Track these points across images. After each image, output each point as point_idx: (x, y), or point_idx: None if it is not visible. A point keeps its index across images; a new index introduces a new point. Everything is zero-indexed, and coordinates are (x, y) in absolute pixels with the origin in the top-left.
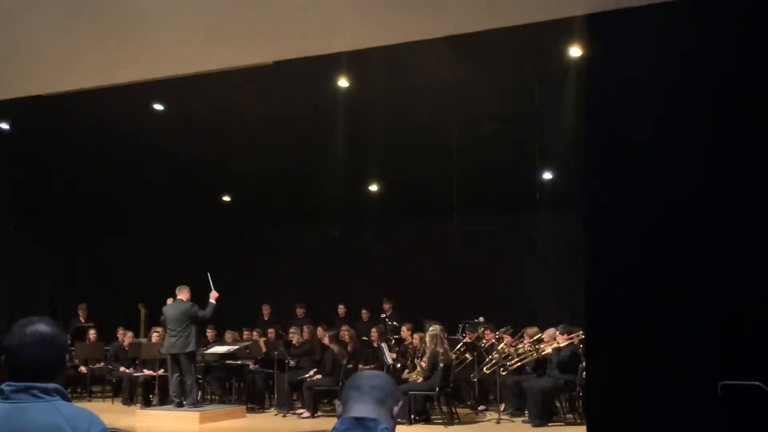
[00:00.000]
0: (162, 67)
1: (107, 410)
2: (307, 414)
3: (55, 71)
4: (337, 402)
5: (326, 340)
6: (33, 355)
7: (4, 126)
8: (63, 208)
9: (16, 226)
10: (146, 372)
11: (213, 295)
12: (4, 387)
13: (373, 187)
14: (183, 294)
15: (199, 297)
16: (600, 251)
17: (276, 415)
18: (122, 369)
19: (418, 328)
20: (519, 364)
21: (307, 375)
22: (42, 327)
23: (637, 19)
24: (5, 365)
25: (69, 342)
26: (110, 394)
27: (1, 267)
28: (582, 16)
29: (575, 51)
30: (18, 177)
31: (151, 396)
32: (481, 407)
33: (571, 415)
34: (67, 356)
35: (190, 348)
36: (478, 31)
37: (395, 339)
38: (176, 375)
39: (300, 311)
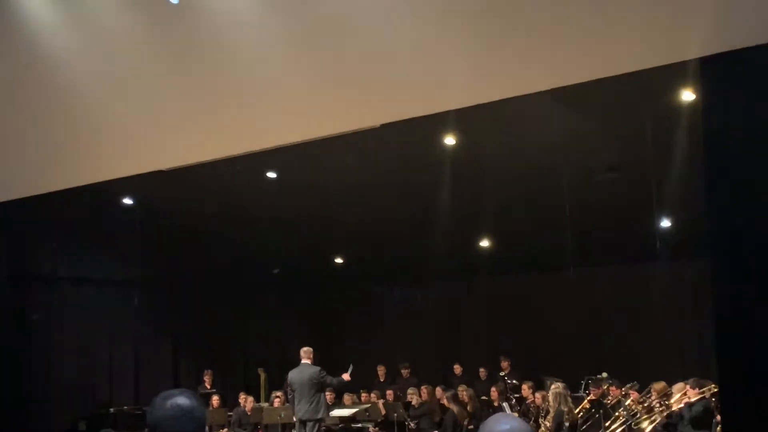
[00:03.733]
0: (272, 137)
1: None
2: None
3: (173, 147)
4: None
5: (445, 401)
6: (174, 428)
7: (128, 201)
8: (183, 277)
9: (140, 298)
10: None
11: (345, 377)
12: None
13: (484, 243)
14: (307, 357)
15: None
16: (729, 298)
17: None
18: None
19: (539, 386)
20: (649, 421)
21: None
22: (181, 400)
23: (751, 58)
24: None
25: None
26: None
27: (128, 337)
28: (693, 59)
29: (688, 95)
30: (141, 249)
31: None
32: None
33: None
34: (207, 428)
35: (321, 414)
36: (585, 81)
37: (516, 398)
38: None
39: (405, 371)
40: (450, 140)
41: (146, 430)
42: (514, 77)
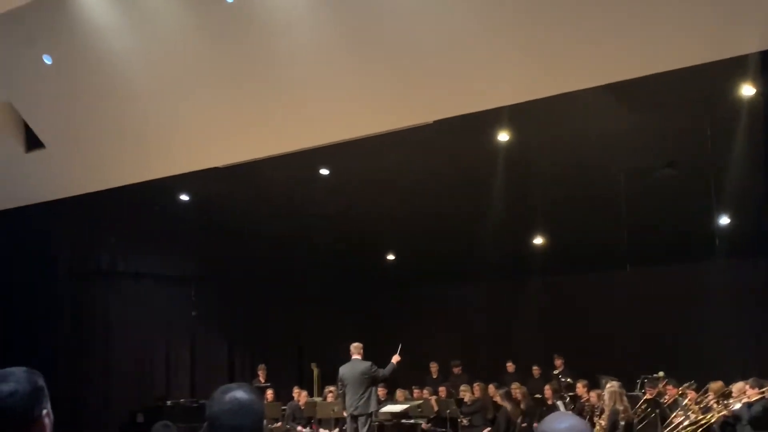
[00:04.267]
0: (326, 134)
1: None
2: None
3: (228, 144)
4: None
5: (498, 398)
6: (232, 422)
7: (185, 197)
8: (238, 272)
9: (196, 293)
10: (322, 431)
11: (395, 359)
12: None
13: (538, 240)
14: (357, 352)
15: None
16: None
17: None
18: (299, 428)
19: (594, 384)
20: (706, 422)
21: None
22: (240, 394)
23: None
24: (207, 431)
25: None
26: None
27: (184, 331)
28: (754, 53)
29: (748, 89)
30: (197, 245)
31: None
32: None
33: None
34: (264, 422)
35: (372, 409)
36: (641, 76)
37: (570, 396)
38: None
39: (456, 369)
40: (503, 136)
41: (205, 423)
42: (568, 72)
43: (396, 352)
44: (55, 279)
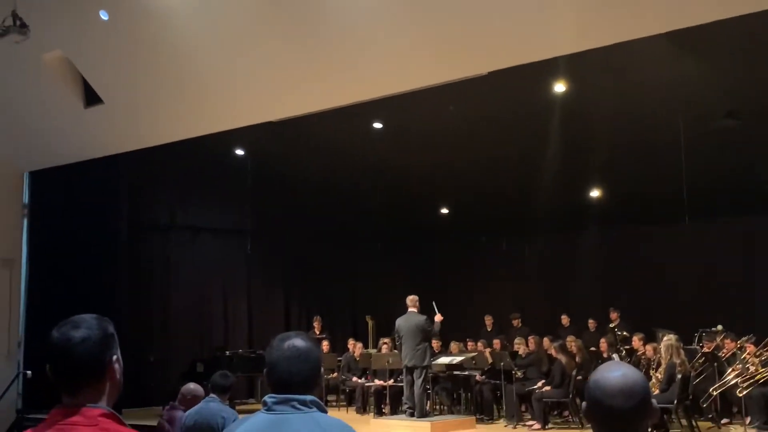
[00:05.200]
0: (379, 87)
1: (343, 419)
2: (537, 426)
3: (282, 99)
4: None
5: (553, 351)
6: (290, 368)
7: (240, 152)
8: (293, 226)
9: (252, 244)
10: (377, 382)
11: (438, 318)
12: (267, 399)
13: (595, 193)
14: (413, 305)
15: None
16: None
17: (506, 426)
18: (354, 379)
19: (650, 338)
20: (765, 375)
21: (536, 386)
22: (298, 342)
23: None
24: (266, 378)
25: None
26: (344, 403)
27: (241, 284)
28: None
29: None
30: (253, 199)
31: (382, 405)
32: (724, 421)
33: None
34: (322, 369)
35: (426, 362)
36: (701, 24)
37: (626, 349)
38: (410, 386)
39: (516, 321)
40: (559, 87)
41: (264, 369)
42: (625, 20)
43: (435, 312)
44: (116, 233)
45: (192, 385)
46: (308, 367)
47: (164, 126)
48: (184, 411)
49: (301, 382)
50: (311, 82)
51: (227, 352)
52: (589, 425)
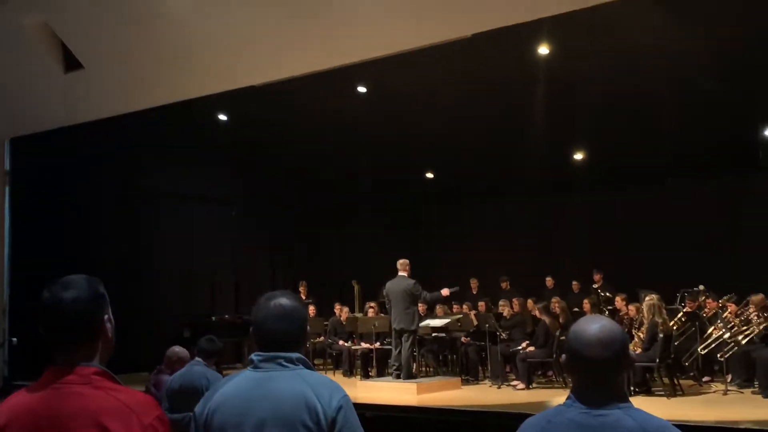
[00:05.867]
0: (363, 50)
1: None
2: (521, 385)
3: (265, 63)
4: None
5: (537, 312)
6: (277, 327)
7: (223, 117)
8: (278, 191)
9: (237, 210)
10: (364, 345)
11: (445, 292)
12: (254, 357)
13: (579, 155)
14: (403, 269)
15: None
16: None
17: (490, 386)
18: (341, 343)
19: (633, 298)
20: (748, 334)
21: (520, 347)
22: (284, 301)
23: None
24: (252, 337)
25: None
26: (331, 366)
27: (227, 250)
28: None
29: None
30: (237, 165)
31: (369, 368)
32: (705, 379)
33: None
34: (308, 327)
35: (414, 326)
36: None
37: (609, 310)
38: (398, 348)
39: (504, 284)
40: (543, 49)
41: (251, 328)
42: None
43: (449, 287)
44: (99, 200)
45: (177, 348)
46: (294, 325)
47: (146, 91)
48: (170, 375)
49: (288, 340)
50: (294, 46)
51: (213, 318)
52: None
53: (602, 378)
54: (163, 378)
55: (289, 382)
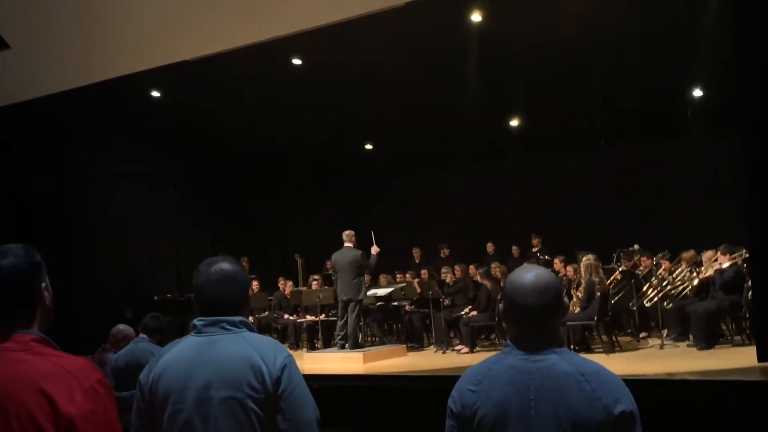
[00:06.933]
0: (295, 21)
1: None
2: (465, 350)
3: (196, 37)
4: None
5: (479, 278)
6: (219, 291)
7: (156, 93)
8: (216, 168)
9: (175, 188)
10: (309, 318)
11: (374, 250)
12: (196, 322)
13: (514, 122)
14: (349, 240)
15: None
16: (760, 167)
17: (435, 352)
18: (286, 316)
19: (571, 260)
20: (682, 289)
21: (463, 312)
22: (225, 265)
23: None
24: (194, 302)
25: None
26: (277, 340)
27: (166, 228)
28: None
29: None
30: (173, 142)
31: (315, 340)
32: (642, 334)
33: (738, 337)
34: (250, 291)
35: (361, 296)
36: None
37: None
38: (343, 319)
39: (445, 251)
40: (476, 17)
41: (192, 294)
42: None
43: (372, 243)
44: (33, 182)
45: (122, 326)
46: (237, 289)
47: (75, 70)
48: (115, 353)
49: (230, 304)
50: (225, 18)
51: (155, 297)
52: None
53: (539, 324)
54: (108, 356)
55: (233, 345)
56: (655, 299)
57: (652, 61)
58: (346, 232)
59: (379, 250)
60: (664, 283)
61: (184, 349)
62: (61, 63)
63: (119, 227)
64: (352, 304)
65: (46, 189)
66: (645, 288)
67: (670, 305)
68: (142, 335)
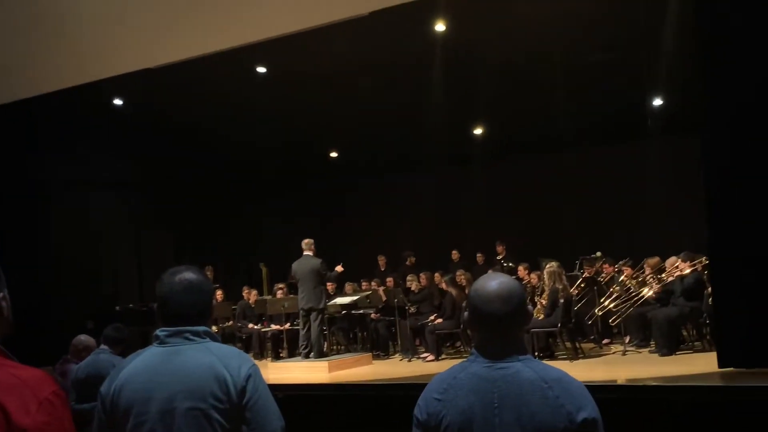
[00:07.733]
0: (260, 29)
1: None
2: (431, 357)
3: (159, 44)
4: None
5: (444, 285)
6: (183, 301)
7: (118, 102)
8: (179, 176)
9: (137, 196)
10: (273, 327)
11: (339, 269)
12: (159, 332)
13: (478, 130)
14: (308, 248)
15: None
16: (719, 174)
17: (401, 360)
18: (250, 326)
19: (535, 267)
20: (645, 295)
21: (428, 320)
22: (189, 275)
23: None
24: (158, 312)
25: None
26: (241, 350)
27: (128, 237)
28: None
29: None
30: (136, 150)
31: (279, 350)
32: (605, 341)
33: (698, 343)
34: (214, 301)
35: (322, 305)
36: None
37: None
38: (306, 328)
39: (410, 259)
40: (440, 27)
41: (155, 304)
42: None
43: (339, 264)
44: None
45: (83, 337)
46: (202, 298)
47: (37, 77)
48: (77, 364)
49: (194, 314)
50: (189, 25)
51: (117, 307)
52: None
53: (502, 332)
54: (70, 367)
55: (197, 355)
56: (618, 306)
57: (614, 68)
58: (306, 241)
59: (342, 270)
60: (626, 290)
61: (146, 359)
62: (23, 70)
63: (80, 236)
64: (314, 313)
65: (5, 197)
66: (606, 295)
67: (632, 311)
68: (103, 346)
